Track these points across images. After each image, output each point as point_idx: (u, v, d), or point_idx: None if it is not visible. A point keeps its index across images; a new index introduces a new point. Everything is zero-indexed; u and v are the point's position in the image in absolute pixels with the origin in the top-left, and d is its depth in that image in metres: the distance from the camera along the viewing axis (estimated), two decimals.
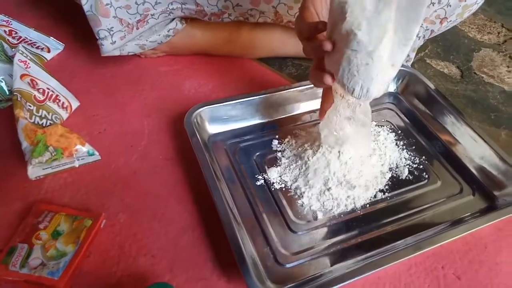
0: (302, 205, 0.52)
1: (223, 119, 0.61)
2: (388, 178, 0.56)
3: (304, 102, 0.65)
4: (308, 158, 0.53)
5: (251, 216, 0.51)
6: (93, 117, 0.64)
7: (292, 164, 0.55)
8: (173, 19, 0.69)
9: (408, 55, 0.72)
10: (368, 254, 0.48)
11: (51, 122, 0.58)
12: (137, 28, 0.65)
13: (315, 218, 0.51)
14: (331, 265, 0.47)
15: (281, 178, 0.54)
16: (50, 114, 0.58)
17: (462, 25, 0.93)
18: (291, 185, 0.54)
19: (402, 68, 0.69)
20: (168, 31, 0.69)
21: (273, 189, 0.54)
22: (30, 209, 0.50)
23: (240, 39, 0.74)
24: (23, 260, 0.44)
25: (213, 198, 0.49)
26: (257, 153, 0.58)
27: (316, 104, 0.65)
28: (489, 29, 0.93)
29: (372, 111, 0.66)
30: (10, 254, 0.44)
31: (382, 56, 0.39)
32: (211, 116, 0.61)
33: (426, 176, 0.57)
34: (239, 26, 0.73)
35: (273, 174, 0.55)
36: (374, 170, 0.55)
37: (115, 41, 0.64)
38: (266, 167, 0.56)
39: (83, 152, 0.55)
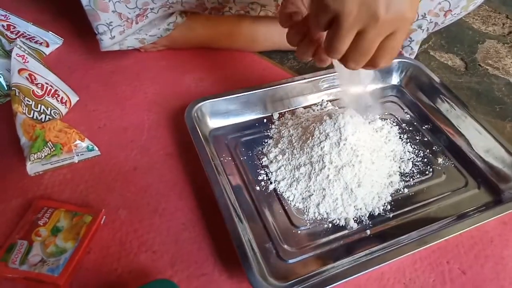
0: (304, 199, 0.51)
1: (224, 113, 0.61)
2: (392, 172, 0.55)
3: (306, 95, 0.64)
4: (309, 152, 0.52)
5: (253, 211, 0.50)
6: (93, 112, 0.63)
7: (294, 158, 0.54)
8: (173, 13, 0.68)
9: (411, 48, 0.71)
10: (372, 249, 0.47)
11: (50, 117, 0.57)
12: (136, 23, 0.64)
13: (318, 213, 0.50)
14: (334, 261, 0.46)
15: (282, 172, 0.54)
16: (49, 109, 0.58)
17: (466, 16, 0.91)
18: (293, 179, 0.53)
19: (406, 61, 0.69)
20: (168, 24, 0.69)
21: (274, 184, 0.53)
22: (29, 206, 0.49)
23: (241, 33, 0.73)
24: (22, 257, 0.44)
25: (214, 193, 0.48)
26: (259, 148, 0.58)
27: (318, 97, 0.65)
28: (493, 20, 0.92)
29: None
30: (10, 251, 0.44)
31: None
32: (212, 111, 0.60)
33: (431, 169, 0.56)
34: (240, 20, 0.72)
35: (274, 168, 0.54)
36: (377, 163, 0.54)
37: (114, 36, 0.64)
38: (267, 161, 0.55)
39: (82, 147, 0.55)
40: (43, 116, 0.57)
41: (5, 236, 0.46)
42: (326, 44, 0.38)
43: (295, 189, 0.52)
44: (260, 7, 0.67)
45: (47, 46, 0.73)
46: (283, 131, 0.58)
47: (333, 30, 0.36)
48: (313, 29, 0.40)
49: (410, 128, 0.62)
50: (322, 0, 0.35)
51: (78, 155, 0.55)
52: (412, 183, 0.54)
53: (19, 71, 0.58)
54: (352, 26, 0.35)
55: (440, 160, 0.58)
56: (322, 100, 0.65)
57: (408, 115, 0.65)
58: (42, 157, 0.52)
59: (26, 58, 0.60)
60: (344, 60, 0.39)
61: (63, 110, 0.60)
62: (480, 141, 0.58)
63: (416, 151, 0.58)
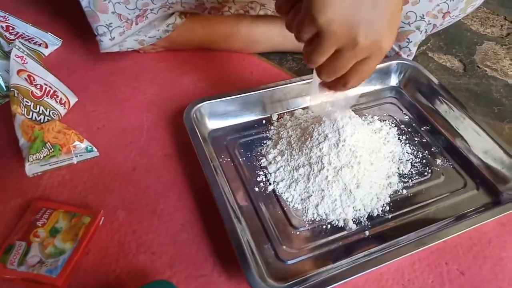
0: (303, 200, 0.51)
1: (223, 115, 0.61)
2: (390, 173, 0.55)
3: (305, 96, 0.64)
4: (308, 153, 0.52)
5: (252, 212, 0.50)
6: (92, 113, 0.63)
7: (292, 160, 0.54)
8: (172, 13, 0.68)
9: (409, 49, 0.72)
10: (371, 250, 0.47)
11: (49, 118, 0.57)
12: (136, 24, 0.64)
13: (317, 214, 0.50)
14: (333, 262, 0.46)
15: (281, 173, 0.54)
16: (48, 110, 0.58)
17: (465, 18, 0.91)
18: (292, 180, 0.53)
19: (404, 62, 0.69)
20: (167, 26, 0.69)
21: (273, 185, 0.53)
22: (28, 206, 0.49)
23: (240, 34, 0.73)
24: (21, 258, 0.44)
25: (213, 194, 0.48)
26: (258, 149, 0.58)
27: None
28: (492, 22, 0.92)
29: (374, 106, 0.66)
30: (8, 252, 0.44)
31: None
32: (211, 112, 0.60)
33: (429, 171, 0.56)
34: (239, 21, 0.72)
35: (273, 169, 0.54)
36: (376, 165, 0.54)
37: (114, 37, 0.64)
38: (266, 162, 0.55)
39: (81, 148, 0.55)
40: (42, 117, 0.57)
41: (4, 237, 0.46)
42: (305, 53, 0.40)
43: (294, 190, 0.52)
44: (260, 6, 0.68)
45: (46, 47, 0.73)
46: (282, 132, 0.58)
47: (313, 44, 0.38)
48: (295, 36, 0.41)
49: (409, 129, 0.62)
50: (310, 13, 0.36)
51: (77, 156, 0.55)
52: (410, 184, 0.55)
53: (18, 72, 0.58)
54: (332, 45, 0.37)
55: (438, 161, 0.58)
56: (321, 102, 0.64)
57: (407, 117, 0.65)
58: (41, 158, 0.52)
59: (25, 59, 0.60)
60: (318, 70, 0.41)
61: (62, 111, 0.60)
62: (478, 142, 0.58)
63: (415, 152, 0.59)
